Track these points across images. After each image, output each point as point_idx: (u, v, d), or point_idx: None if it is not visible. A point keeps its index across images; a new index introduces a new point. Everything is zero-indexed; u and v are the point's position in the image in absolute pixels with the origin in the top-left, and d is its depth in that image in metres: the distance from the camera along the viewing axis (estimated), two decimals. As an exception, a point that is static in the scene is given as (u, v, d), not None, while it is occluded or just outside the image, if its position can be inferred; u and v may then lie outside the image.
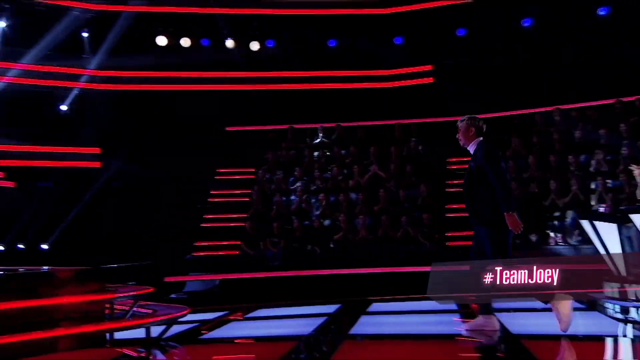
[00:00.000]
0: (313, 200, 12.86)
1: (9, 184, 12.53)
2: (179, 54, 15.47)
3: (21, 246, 12.01)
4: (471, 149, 5.70)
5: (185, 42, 15.32)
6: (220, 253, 12.21)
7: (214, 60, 15.65)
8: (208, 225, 13.40)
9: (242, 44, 15.60)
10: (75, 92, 15.51)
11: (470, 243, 5.74)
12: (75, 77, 15.39)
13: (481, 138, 5.69)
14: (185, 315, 5.83)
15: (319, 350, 5.27)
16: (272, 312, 7.67)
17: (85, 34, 15.25)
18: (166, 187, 14.19)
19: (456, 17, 15.38)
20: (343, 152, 14.40)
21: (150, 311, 5.94)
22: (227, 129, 15.68)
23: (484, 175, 5.48)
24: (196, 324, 6.62)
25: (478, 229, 5.57)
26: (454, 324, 6.16)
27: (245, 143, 15.48)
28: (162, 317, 5.55)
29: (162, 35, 15.21)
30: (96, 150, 15.12)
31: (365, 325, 6.36)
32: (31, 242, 12.23)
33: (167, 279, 10.67)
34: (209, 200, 14.27)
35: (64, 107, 15.60)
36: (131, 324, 5.43)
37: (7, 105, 14.31)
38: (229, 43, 15.43)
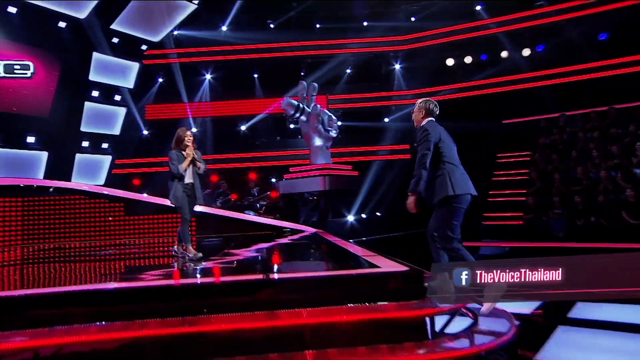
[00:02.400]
0: (593, 176, 9.51)
1: (354, 173, 12.51)
2: (462, 69, 13.42)
3: (363, 216, 11.79)
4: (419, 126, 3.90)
5: (467, 59, 13.15)
6: (506, 223, 9.97)
7: (490, 69, 13.18)
8: (493, 200, 11.20)
9: (515, 52, 12.66)
10: (392, 108, 14.87)
11: None
12: (389, 98, 14.72)
13: (431, 119, 3.91)
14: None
15: None
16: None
17: (397, 66, 14.43)
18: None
19: None
20: (620, 131, 10.41)
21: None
22: (504, 121, 13.06)
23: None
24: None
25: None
26: None
27: (519, 131, 12.60)
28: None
29: (450, 57, 13.35)
30: (406, 146, 14.21)
31: None
32: (370, 212, 12.06)
33: (464, 244, 9.02)
34: (492, 179, 12.00)
35: (386, 120, 15.13)
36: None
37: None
38: (504, 54, 12.67)
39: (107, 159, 12.99)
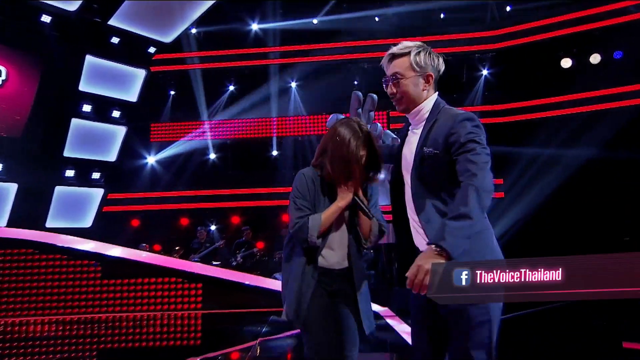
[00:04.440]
0: None
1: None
2: (586, 72, 10.01)
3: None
4: (417, 116, 1.96)
5: (594, 59, 9.78)
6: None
7: (625, 72, 9.73)
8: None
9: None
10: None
11: None
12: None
13: (436, 94, 1.99)
14: None
15: None
16: None
17: (484, 72, 11.27)
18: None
19: None
20: None
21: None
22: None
23: (445, 171, 1.81)
24: None
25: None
26: None
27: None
28: None
29: (567, 57, 10.03)
30: (499, 181, 10.86)
31: None
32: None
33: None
34: (646, 234, 8.42)
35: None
36: None
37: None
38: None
39: (98, 193, 10.62)
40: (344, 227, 2.23)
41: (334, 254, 2.20)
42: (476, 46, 11.00)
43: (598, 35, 9.63)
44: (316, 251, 2.16)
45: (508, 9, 10.84)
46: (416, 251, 1.82)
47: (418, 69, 1.93)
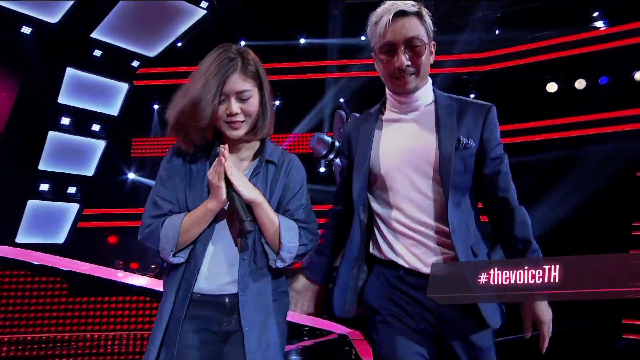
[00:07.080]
0: None
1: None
2: (570, 97, 10.20)
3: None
4: (418, 101, 1.70)
5: (579, 84, 9.97)
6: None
7: (613, 98, 9.92)
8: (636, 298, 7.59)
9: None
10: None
11: None
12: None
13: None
14: None
15: None
16: None
17: (471, 96, 11.46)
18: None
19: None
20: None
21: None
22: (638, 174, 9.59)
23: (470, 173, 1.62)
24: None
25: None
26: None
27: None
28: None
29: (553, 82, 10.21)
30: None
31: None
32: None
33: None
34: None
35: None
36: None
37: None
38: (639, 75, 9.43)
39: (73, 208, 10.63)
40: (235, 232, 1.44)
41: (220, 271, 1.42)
42: (464, 68, 11.21)
43: (581, 60, 9.85)
44: (187, 267, 1.40)
45: (497, 32, 11.06)
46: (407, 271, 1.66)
47: (429, 37, 1.61)
